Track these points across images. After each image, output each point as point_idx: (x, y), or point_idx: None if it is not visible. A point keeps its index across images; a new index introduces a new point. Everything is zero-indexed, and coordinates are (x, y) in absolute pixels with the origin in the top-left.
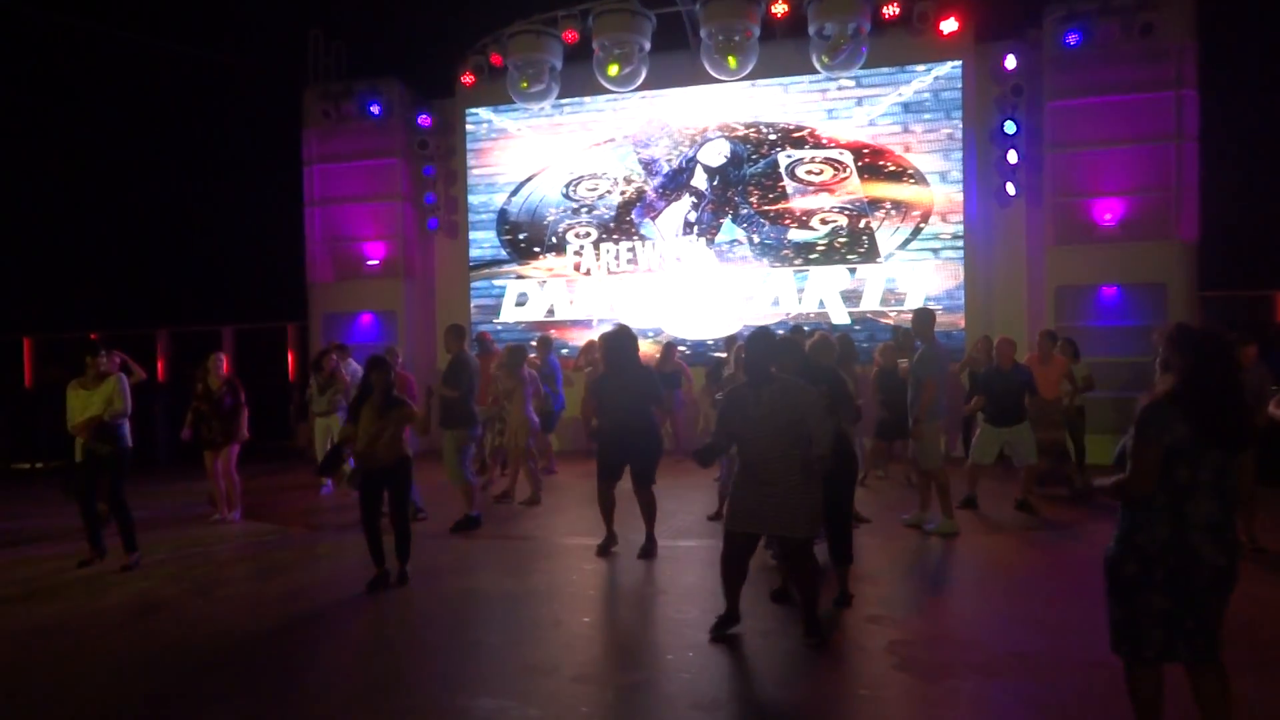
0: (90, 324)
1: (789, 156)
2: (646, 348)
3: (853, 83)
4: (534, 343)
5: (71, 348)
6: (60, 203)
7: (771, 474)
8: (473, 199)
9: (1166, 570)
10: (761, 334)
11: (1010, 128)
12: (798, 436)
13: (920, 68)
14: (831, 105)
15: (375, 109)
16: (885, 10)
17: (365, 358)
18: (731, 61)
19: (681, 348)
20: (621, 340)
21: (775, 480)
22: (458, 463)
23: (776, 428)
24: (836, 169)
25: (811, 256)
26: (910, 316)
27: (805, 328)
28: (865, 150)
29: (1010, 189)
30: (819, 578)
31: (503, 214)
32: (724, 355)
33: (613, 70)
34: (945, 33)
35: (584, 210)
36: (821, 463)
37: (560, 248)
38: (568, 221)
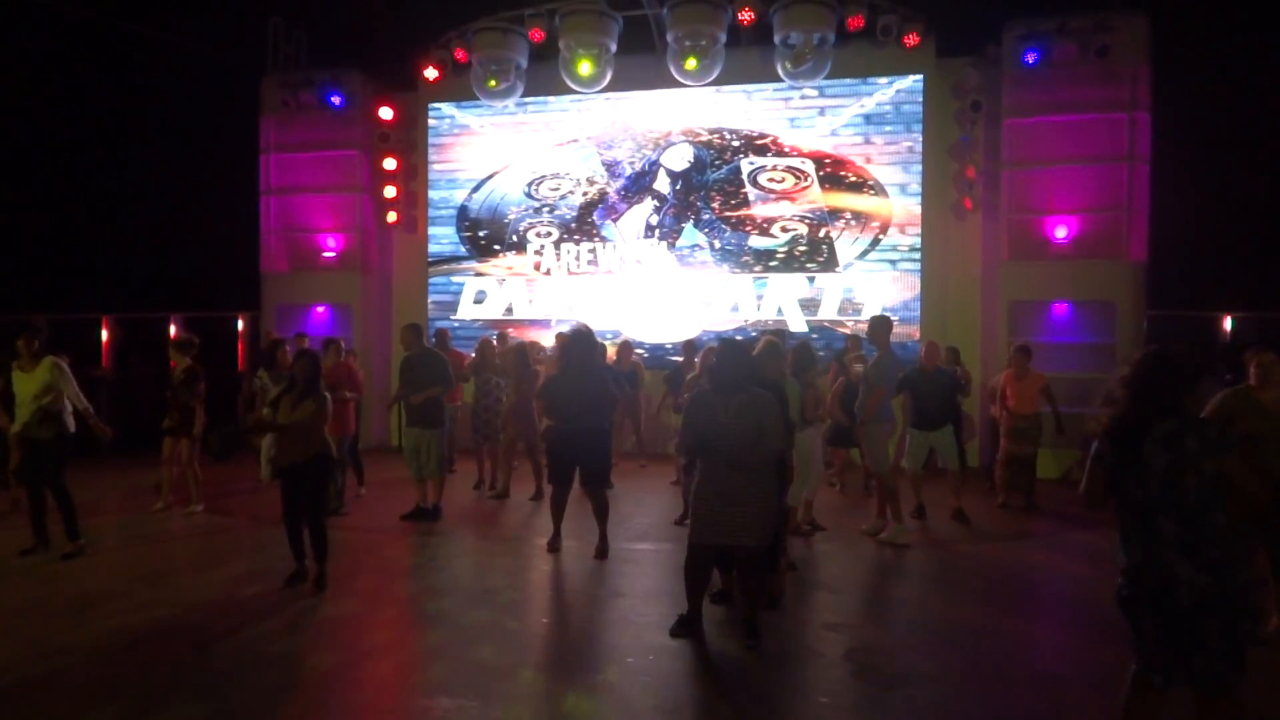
0: (34, 307)
1: (751, 163)
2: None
3: (816, 92)
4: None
5: (12, 331)
6: (5, 184)
7: (732, 483)
8: (433, 194)
9: (1149, 591)
10: (733, 347)
11: (968, 143)
12: (760, 446)
13: (883, 80)
14: (794, 114)
15: (336, 100)
16: (850, 21)
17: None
18: (696, 66)
19: (640, 350)
20: (578, 341)
21: (734, 490)
22: (441, 458)
23: (743, 433)
24: (798, 177)
25: (771, 264)
26: (867, 325)
27: (785, 334)
28: (827, 160)
29: (967, 204)
30: (764, 585)
31: (463, 210)
32: (681, 360)
33: (584, 68)
34: (908, 46)
35: (545, 210)
36: (781, 463)
37: (521, 246)
38: (529, 220)
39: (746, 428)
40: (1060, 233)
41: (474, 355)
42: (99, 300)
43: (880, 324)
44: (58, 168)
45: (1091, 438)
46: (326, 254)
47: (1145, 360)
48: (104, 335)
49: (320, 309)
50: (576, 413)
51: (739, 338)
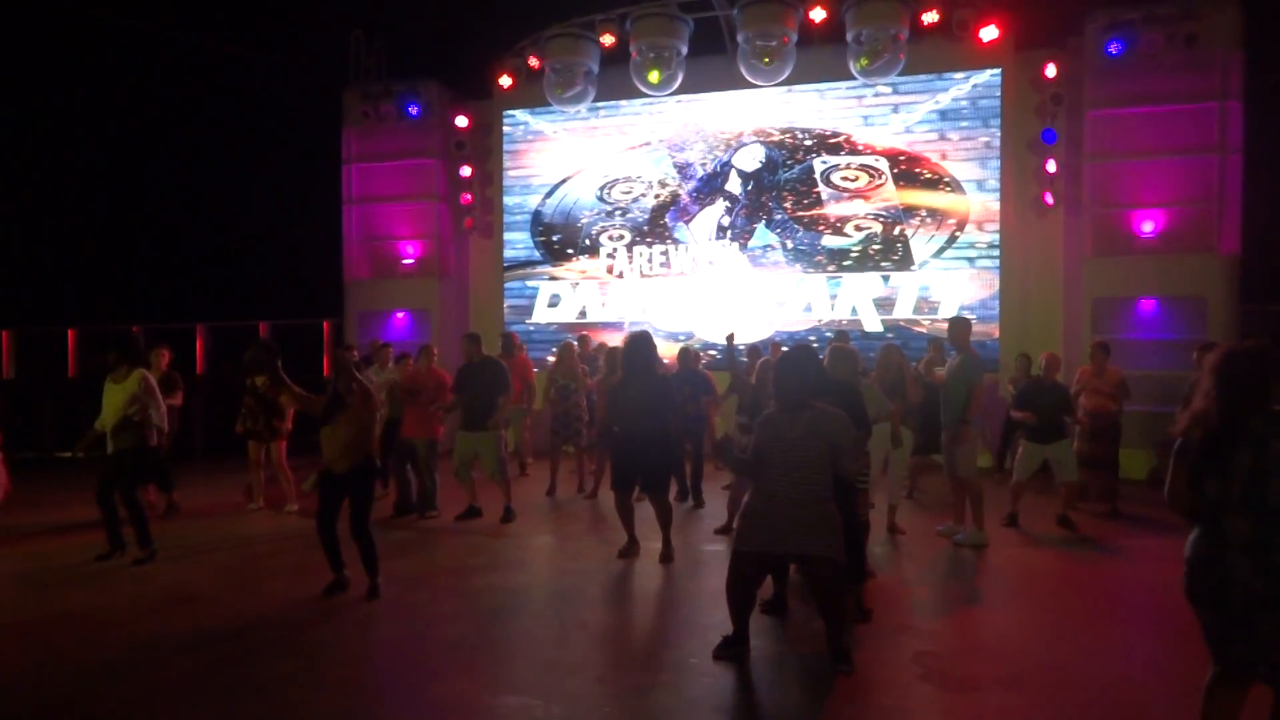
0: (132, 317)
1: (824, 162)
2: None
3: (890, 89)
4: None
5: (113, 340)
6: (106, 199)
7: (792, 496)
8: (508, 200)
9: (1208, 586)
10: (799, 359)
11: (1050, 137)
12: (829, 464)
13: (958, 75)
14: (868, 111)
15: (413, 109)
16: (924, 17)
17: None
18: (768, 66)
19: (712, 352)
20: (638, 346)
21: (794, 503)
22: (500, 460)
23: (810, 450)
24: (872, 175)
25: (845, 263)
26: (944, 325)
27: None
28: (901, 157)
29: (1048, 199)
30: (845, 605)
31: (537, 215)
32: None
33: (654, 77)
34: (984, 40)
35: (618, 213)
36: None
37: (593, 250)
38: (601, 224)
39: (816, 446)
40: (1147, 227)
41: (554, 359)
42: (192, 309)
43: (961, 325)
44: (152, 184)
45: (1175, 436)
46: (405, 261)
47: (1231, 357)
48: (198, 343)
49: (400, 315)
50: (636, 419)
51: (801, 346)
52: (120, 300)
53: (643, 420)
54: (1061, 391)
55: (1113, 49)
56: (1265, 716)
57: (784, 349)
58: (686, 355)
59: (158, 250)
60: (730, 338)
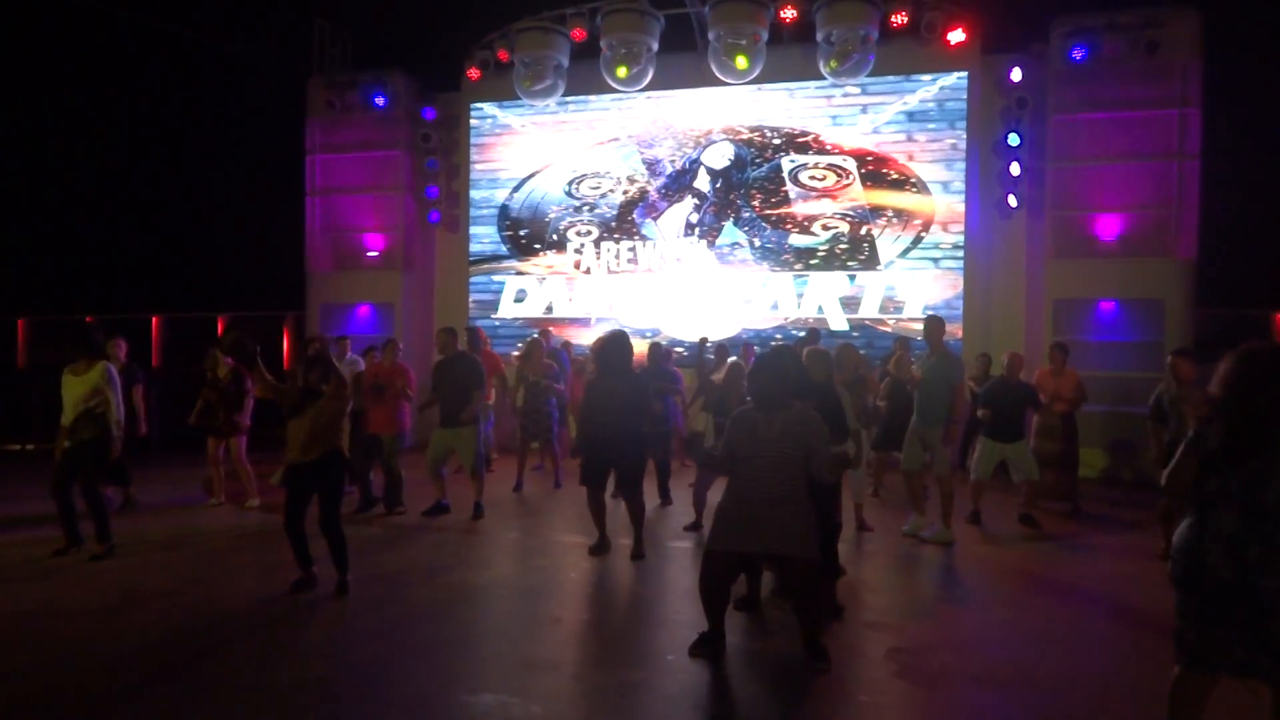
0: (86, 307)
1: (792, 161)
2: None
3: (858, 90)
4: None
5: (66, 330)
6: (60, 186)
7: (767, 496)
8: (474, 194)
9: (1189, 576)
10: (777, 358)
11: (1014, 140)
12: (803, 465)
13: (926, 77)
14: (836, 111)
15: (379, 101)
16: (893, 18)
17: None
18: (739, 64)
19: (679, 349)
20: (615, 345)
21: (768, 502)
22: (478, 455)
23: (785, 452)
24: (839, 175)
25: (812, 262)
26: (910, 324)
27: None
28: (869, 157)
29: (1012, 201)
30: (821, 603)
31: (504, 210)
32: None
33: (622, 72)
34: (952, 43)
35: (586, 208)
36: (847, 465)
37: (561, 245)
38: (569, 219)
39: (791, 448)
40: (1107, 230)
41: (519, 355)
42: (148, 300)
43: (937, 324)
44: (107, 171)
45: (1199, 423)
46: (370, 254)
47: (1255, 358)
48: (153, 334)
49: (363, 308)
50: (611, 417)
51: (782, 346)
52: (73, 290)
53: (618, 418)
54: (1027, 390)
55: (1076, 55)
56: (1267, 716)
57: (756, 349)
58: (657, 351)
59: (113, 239)
60: (703, 341)
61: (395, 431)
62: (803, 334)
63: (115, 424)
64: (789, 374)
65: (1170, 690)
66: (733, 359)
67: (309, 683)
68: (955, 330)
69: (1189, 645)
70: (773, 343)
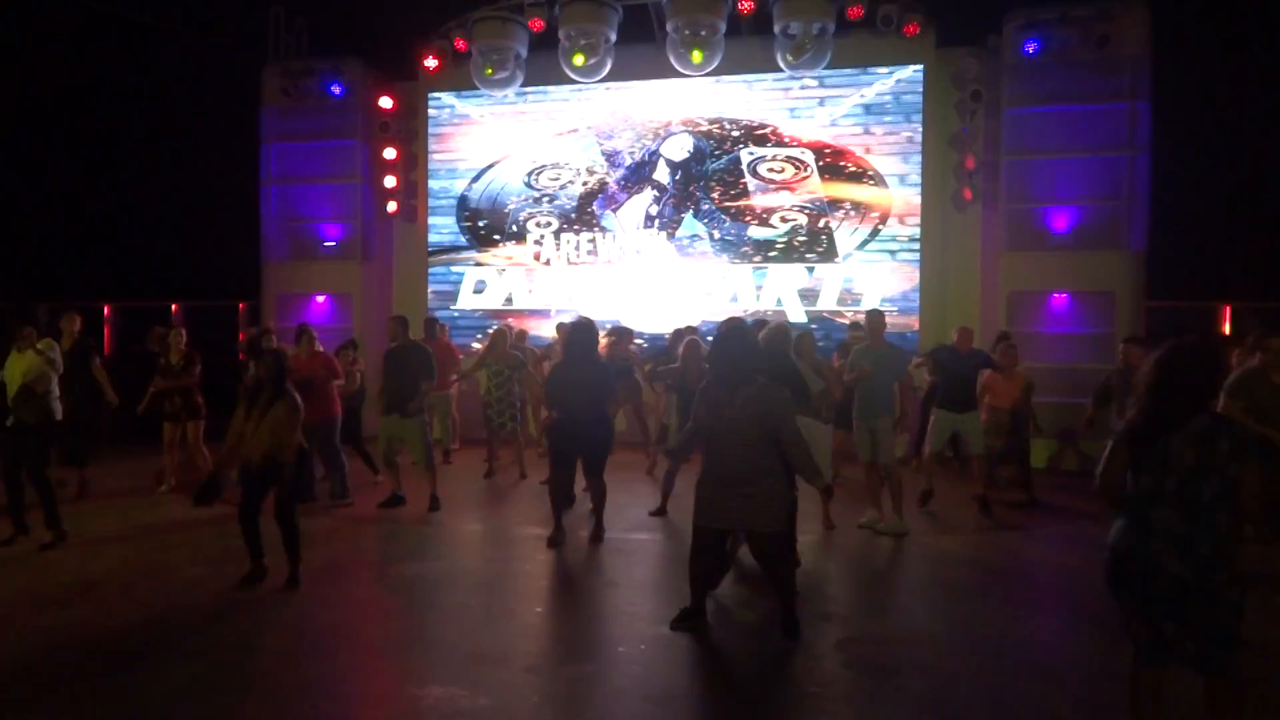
0: (36, 293)
1: (751, 153)
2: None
3: (816, 82)
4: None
5: (11, 316)
6: (10, 172)
7: (739, 474)
8: (433, 184)
9: (1133, 573)
10: (737, 332)
11: (967, 134)
12: (771, 440)
13: (882, 70)
14: (794, 104)
15: (336, 89)
16: (850, 10)
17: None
18: (696, 56)
19: (640, 341)
20: (580, 332)
21: (742, 480)
22: (426, 446)
23: (751, 429)
24: (798, 168)
25: (771, 254)
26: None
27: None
28: (826, 150)
29: (967, 194)
30: (792, 574)
31: (463, 200)
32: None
33: (578, 60)
34: (908, 36)
35: (545, 200)
36: (827, 493)
37: (520, 236)
38: (529, 210)
39: (756, 425)
40: (1060, 223)
41: (485, 345)
42: (100, 287)
43: (878, 317)
44: (58, 156)
45: (1122, 425)
46: (327, 244)
47: (1179, 352)
48: (104, 322)
49: (320, 298)
50: (578, 403)
51: (735, 321)
52: (24, 276)
53: (584, 403)
54: (979, 356)
55: (1029, 48)
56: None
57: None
58: (620, 337)
59: (65, 226)
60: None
61: (324, 416)
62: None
63: (56, 402)
64: (749, 349)
65: (1128, 685)
66: (690, 338)
67: (249, 678)
68: (912, 322)
69: (1142, 642)
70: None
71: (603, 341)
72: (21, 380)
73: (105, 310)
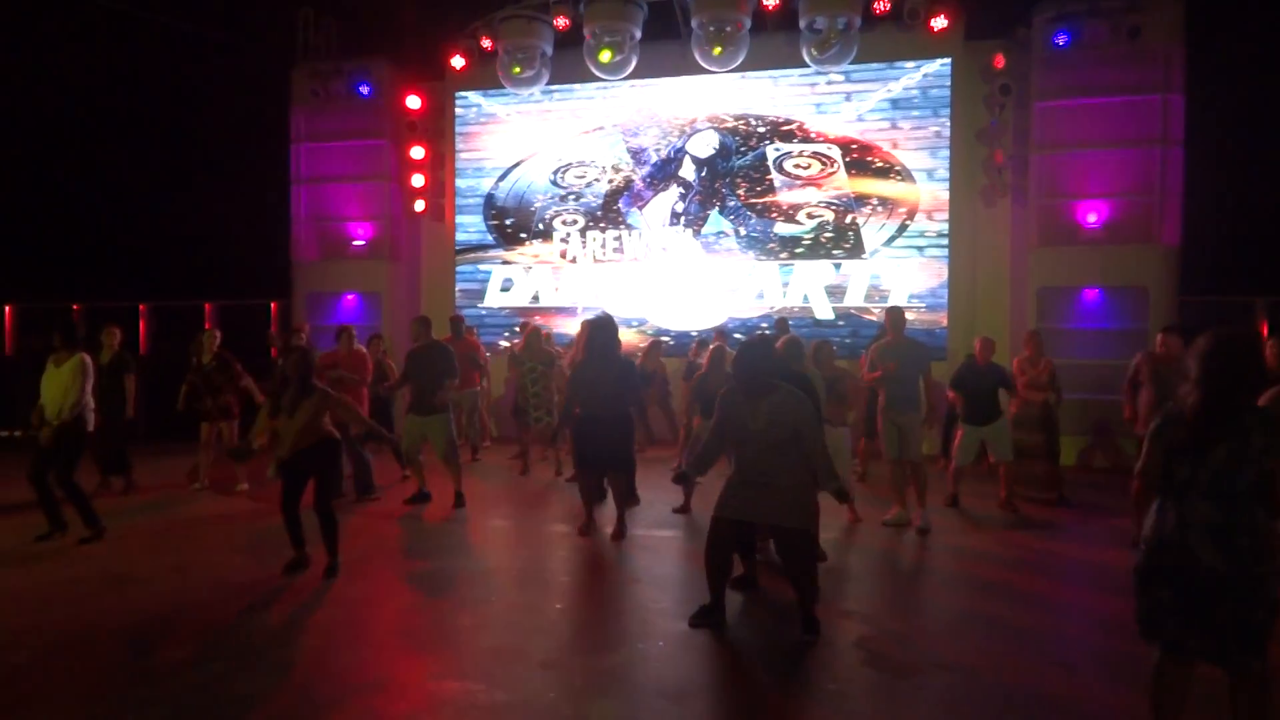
0: (73, 295)
1: (777, 150)
2: (631, 337)
3: (842, 78)
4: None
5: (53, 318)
6: (45, 173)
7: (765, 474)
8: (460, 183)
9: (1169, 566)
10: (759, 342)
11: (996, 127)
12: (796, 447)
13: (910, 64)
14: (820, 99)
15: (364, 89)
16: (876, 5)
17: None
18: (721, 52)
19: (665, 338)
20: (601, 329)
21: (771, 481)
22: (450, 443)
23: (775, 439)
24: (824, 164)
25: (797, 250)
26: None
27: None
28: (853, 146)
29: (996, 189)
30: (815, 573)
31: (490, 199)
32: (698, 360)
33: (605, 56)
34: (935, 30)
35: (571, 198)
36: (840, 496)
37: (547, 234)
38: (555, 208)
39: (780, 434)
40: (1091, 218)
41: (520, 343)
42: (135, 288)
43: (898, 314)
44: (93, 159)
45: (1162, 416)
46: (356, 243)
47: (1225, 346)
48: (140, 322)
49: (350, 297)
50: (601, 400)
51: (758, 336)
52: (61, 278)
53: (607, 401)
54: (997, 372)
55: (1059, 40)
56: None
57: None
58: (655, 349)
59: (100, 227)
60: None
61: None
62: (767, 327)
63: (89, 413)
64: (771, 359)
65: (1151, 682)
66: (715, 344)
67: (274, 668)
68: (940, 319)
69: (1167, 635)
70: (756, 332)
71: (640, 348)
72: (58, 398)
73: (140, 309)
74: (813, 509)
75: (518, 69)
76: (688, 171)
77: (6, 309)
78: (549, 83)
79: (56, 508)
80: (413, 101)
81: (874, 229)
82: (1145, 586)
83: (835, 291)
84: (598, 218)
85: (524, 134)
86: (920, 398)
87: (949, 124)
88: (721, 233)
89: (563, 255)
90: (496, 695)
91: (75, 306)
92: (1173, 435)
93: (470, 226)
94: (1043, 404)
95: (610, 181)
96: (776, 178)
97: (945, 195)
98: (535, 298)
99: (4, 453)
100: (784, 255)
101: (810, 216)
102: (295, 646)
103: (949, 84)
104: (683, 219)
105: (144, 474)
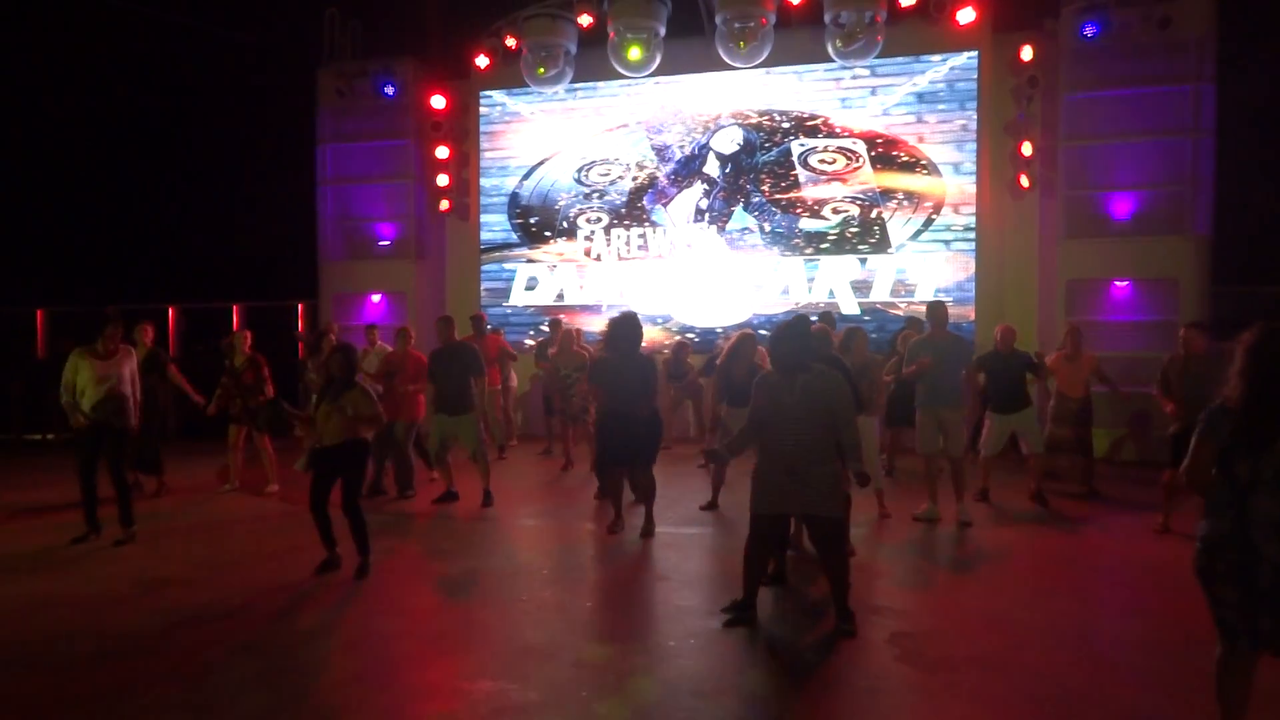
0: (103, 298)
1: (802, 145)
2: (656, 335)
3: (867, 72)
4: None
5: (84, 321)
6: (74, 177)
7: (797, 460)
8: (485, 182)
9: (1229, 563)
10: (797, 323)
11: (1024, 120)
12: (829, 426)
13: (936, 58)
14: (845, 94)
15: (389, 89)
16: None
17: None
18: (744, 48)
19: (690, 335)
20: (624, 326)
21: (802, 465)
22: (479, 442)
23: (809, 415)
24: (849, 158)
25: (822, 246)
26: (922, 307)
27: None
28: (879, 140)
29: (1024, 181)
30: (848, 562)
31: (514, 197)
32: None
33: (633, 53)
34: (961, 23)
35: (595, 195)
36: (861, 479)
37: (571, 232)
38: (579, 206)
39: (814, 410)
40: (1120, 209)
41: (553, 350)
42: (165, 290)
43: (940, 308)
44: (122, 163)
45: (1209, 411)
46: (382, 243)
47: (1273, 338)
48: (170, 324)
49: (376, 297)
50: (626, 397)
51: (797, 316)
52: (91, 281)
53: (631, 398)
54: (1022, 359)
55: (1088, 32)
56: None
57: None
58: (682, 350)
59: (129, 231)
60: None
61: (407, 419)
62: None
63: (134, 405)
64: (808, 337)
65: (1216, 676)
66: (745, 330)
67: (305, 669)
68: (968, 313)
69: (1231, 630)
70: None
71: (665, 347)
72: (103, 385)
73: (170, 313)
74: (844, 498)
75: (542, 70)
76: (712, 168)
77: (38, 313)
78: (573, 81)
79: (95, 509)
80: (437, 101)
81: (900, 223)
82: (1208, 586)
83: (861, 286)
84: (622, 215)
85: (548, 132)
86: (962, 392)
87: (975, 117)
88: (746, 229)
89: (587, 253)
90: (529, 694)
91: (107, 310)
92: (1224, 432)
93: (495, 225)
94: (1080, 399)
95: (634, 179)
96: (801, 173)
97: (972, 189)
98: (560, 296)
99: (36, 456)
100: (809, 251)
101: (835, 212)
102: (327, 648)
103: (975, 77)
104: (707, 215)
105: (174, 475)
